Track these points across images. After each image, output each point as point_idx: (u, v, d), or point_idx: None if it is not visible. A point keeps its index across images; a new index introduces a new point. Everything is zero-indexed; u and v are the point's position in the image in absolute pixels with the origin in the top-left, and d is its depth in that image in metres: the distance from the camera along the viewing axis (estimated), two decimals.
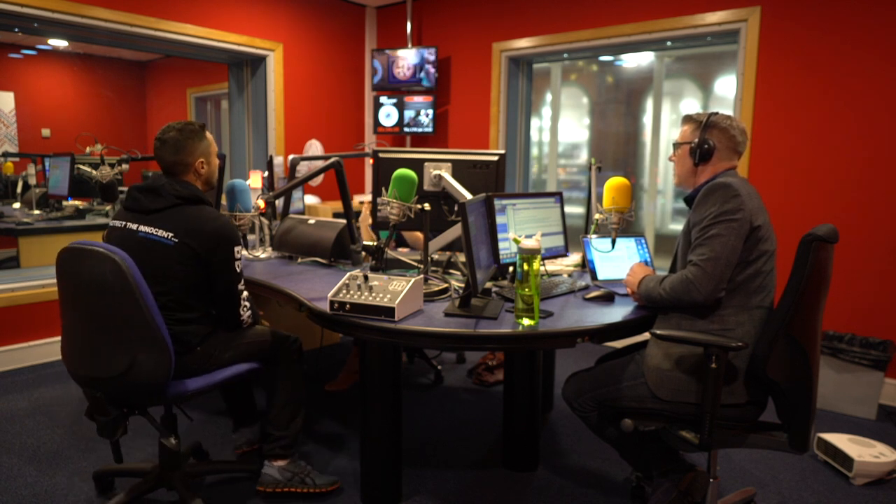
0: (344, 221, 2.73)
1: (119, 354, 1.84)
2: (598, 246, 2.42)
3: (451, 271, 2.62)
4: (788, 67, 3.54)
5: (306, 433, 2.82)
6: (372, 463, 2.23)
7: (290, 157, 3.52)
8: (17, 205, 5.01)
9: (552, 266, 2.79)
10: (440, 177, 2.47)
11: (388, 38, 5.51)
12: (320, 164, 4.04)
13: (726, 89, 4.16)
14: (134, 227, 2.02)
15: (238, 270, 2.08)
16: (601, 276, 2.41)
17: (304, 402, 2.30)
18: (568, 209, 3.15)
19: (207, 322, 2.10)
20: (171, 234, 1.98)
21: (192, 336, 2.03)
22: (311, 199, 4.91)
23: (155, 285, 1.92)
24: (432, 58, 5.00)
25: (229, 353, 2.11)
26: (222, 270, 2.05)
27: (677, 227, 4.55)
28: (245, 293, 2.14)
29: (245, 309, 2.15)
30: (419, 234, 3.14)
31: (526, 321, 1.83)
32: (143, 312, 1.81)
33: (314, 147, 4.76)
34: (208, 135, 2.18)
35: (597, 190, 2.75)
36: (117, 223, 2.08)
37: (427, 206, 2.29)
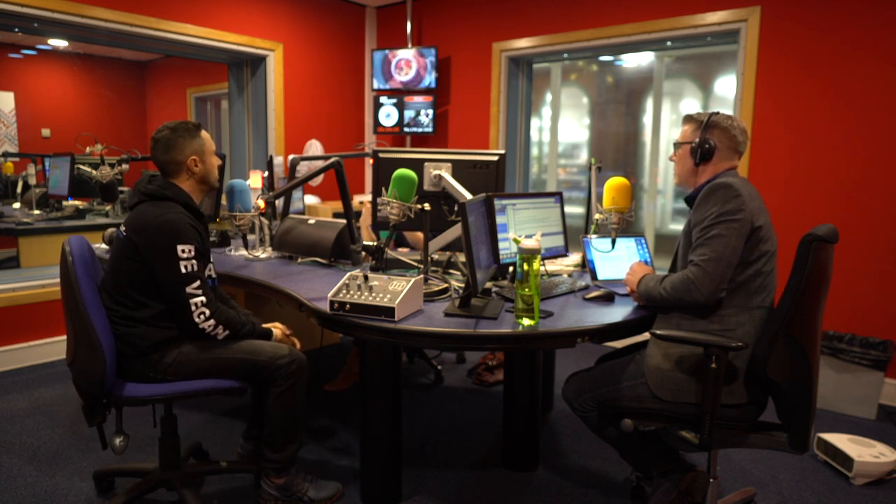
0: (344, 221, 2.73)
1: (70, 347, 1.96)
2: (598, 246, 2.42)
3: (451, 271, 2.62)
4: (788, 67, 3.54)
5: (306, 433, 2.82)
6: (372, 463, 2.23)
7: (290, 157, 3.52)
8: (17, 205, 5.01)
9: (552, 266, 2.79)
10: (440, 177, 2.47)
11: (388, 38, 5.50)
12: (320, 164, 4.04)
13: (726, 89, 4.16)
14: (122, 227, 2.07)
15: (184, 271, 1.94)
16: (601, 276, 2.41)
17: (300, 425, 2.16)
18: (568, 209, 3.15)
19: (163, 327, 2.00)
20: (123, 229, 2.02)
21: (141, 339, 1.96)
22: (311, 199, 4.91)
23: (110, 280, 2.00)
24: (432, 58, 5.00)
25: (196, 365, 2.01)
26: (162, 269, 1.95)
27: (677, 227, 4.55)
28: (200, 299, 1.97)
29: (202, 316, 1.97)
30: (419, 234, 3.14)
31: (526, 321, 1.83)
32: (80, 309, 1.87)
33: (314, 147, 4.76)
34: (203, 133, 2.15)
35: (597, 190, 2.75)
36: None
37: (427, 206, 2.29)
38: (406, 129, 5.18)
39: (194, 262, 1.97)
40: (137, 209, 2.04)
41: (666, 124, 4.43)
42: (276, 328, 2.25)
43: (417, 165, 2.49)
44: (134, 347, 1.97)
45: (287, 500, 2.19)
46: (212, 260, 2.23)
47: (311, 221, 2.91)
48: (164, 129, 2.10)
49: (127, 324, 1.97)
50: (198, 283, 1.97)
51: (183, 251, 1.95)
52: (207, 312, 1.99)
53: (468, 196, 2.31)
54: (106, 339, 1.90)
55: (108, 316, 1.96)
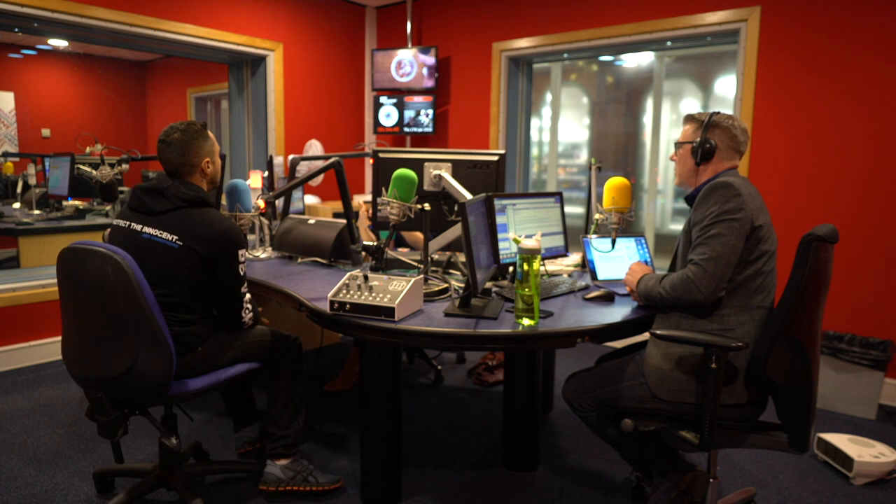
0: (344, 221, 2.73)
1: (121, 355, 1.84)
2: (598, 246, 2.42)
3: (451, 271, 2.62)
4: (788, 67, 3.54)
5: (306, 433, 2.82)
6: (372, 463, 2.23)
7: (290, 157, 3.52)
8: (17, 205, 5.01)
9: (552, 266, 2.79)
10: (440, 177, 2.47)
11: (388, 38, 5.51)
12: (320, 164, 4.04)
13: (726, 89, 4.16)
14: (138, 227, 2.02)
15: (241, 274, 2.08)
16: (601, 276, 2.41)
17: (305, 401, 2.31)
18: (568, 209, 3.16)
19: (208, 323, 2.10)
20: (175, 237, 1.97)
21: (194, 337, 2.03)
22: (311, 199, 4.91)
23: (158, 286, 1.93)
24: (432, 58, 5.00)
25: (230, 353, 2.12)
26: (226, 274, 2.04)
27: (677, 227, 4.54)
28: (248, 296, 2.15)
29: (247, 311, 2.15)
30: (419, 235, 3.14)
31: (526, 321, 1.83)
32: (146, 313, 1.81)
33: (314, 147, 4.76)
34: (210, 134, 2.18)
35: (597, 190, 2.76)
36: (121, 223, 2.07)
37: (427, 206, 2.29)
38: (406, 129, 5.18)
39: (245, 264, 2.12)
40: (181, 216, 2.01)
41: (666, 124, 4.43)
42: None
43: (417, 165, 2.49)
44: (186, 345, 2.01)
45: (291, 481, 2.25)
46: None
47: (311, 221, 2.91)
48: (174, 130, 2.09)
49: (180, 324, 2.00)
50: (246, 282, 2.13)
51: (241, 255, 2.08)
52: (250, 308, 2.17)
53: (468, 196, 2.31)
54: (170, 338, 1.89)
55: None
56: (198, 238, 1.98)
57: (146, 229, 2.00)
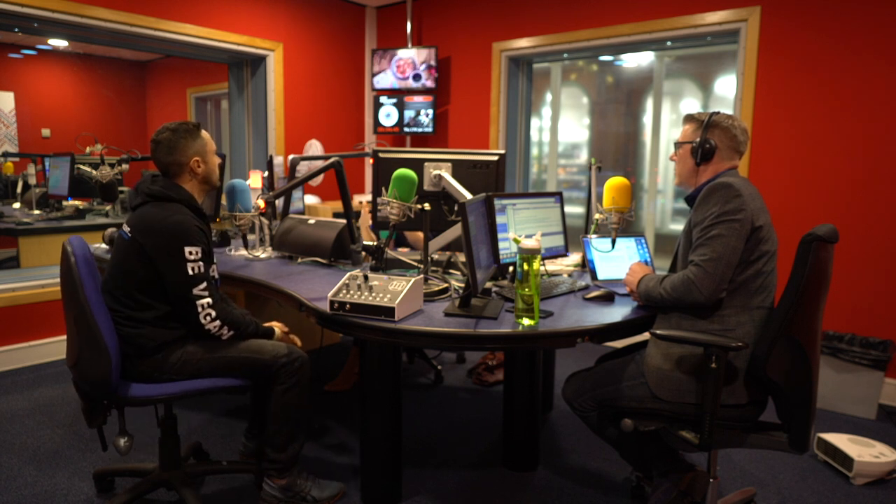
0: (344, 221, 2.73)
1: (72, 348, 1.94)
2: (598, 246, 2.42)
3: (451, 271, 2.62)
4: (788, 67, 3.54)
5: (306, 433, 2.81)
6: (372, 463, 2.23)
7: (290, 157, 3.52)
8: (17, 205, 5.01)
9: (552, 266, 2.79)
10: (440, 177, 2.47)
11: (388, 38, 5.50)
12: (320, 164, 4.04)
13: (726, 89, 4.16)
14: (123, 225, 2.07)
15: (191, 273, 1.95)
16: (601, 276, 2.41)
17: (304, 425, 2.17)
18: (568, 209, 3.15)
19: (169, 328, 2.01)
20: (129, 230, 2.01)
21: (146, 340, 1.97)
22: (311, 199, 4.91)
23: (114, 281, 2.00)
24: (432, 58, 5.00)
25: (200, 364, 2.02)
26: (169, 270, 1.96)
27: (677, 227, 4.54)
28: (206, 301, 1.98)
29: (208, 317, 1.99)
30: (420, 234, 3.14)
31: (526, 321, 1.83)
32: (84, 310, 1.86)
33: (314, 147, 4.76)
34: (204, 133, 2.16)
35: (597, 190, 2.76)
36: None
37: (427, 206, 2.29)
38: (406, 129, 5.18)
39: (201, 263, 1.99)
40: (142, 210, 2.03)
41: (666, 124, 4.43)
42: (276, 327, 2.25)
43: (417, 165, 2.49)
44: (139, 348, 1.97)
45: (289, 501, 2.19)
46: (215, 260, 2.22)
47: (311, 221, 2.91)
48: (164, 130, 2.10)
49: (132, 325, 1.97)
50: (204, 284, 1.98)
51: (190, 253, 1.96)
52: (213, 313, 2.00)
53: (468, 196, 2.31)
54: (111, 340, 1.89)
55: (112, 317, 1.97)
56: (144, 230, 1.98)
57: (124, 226, 2.06)
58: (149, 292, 1.99)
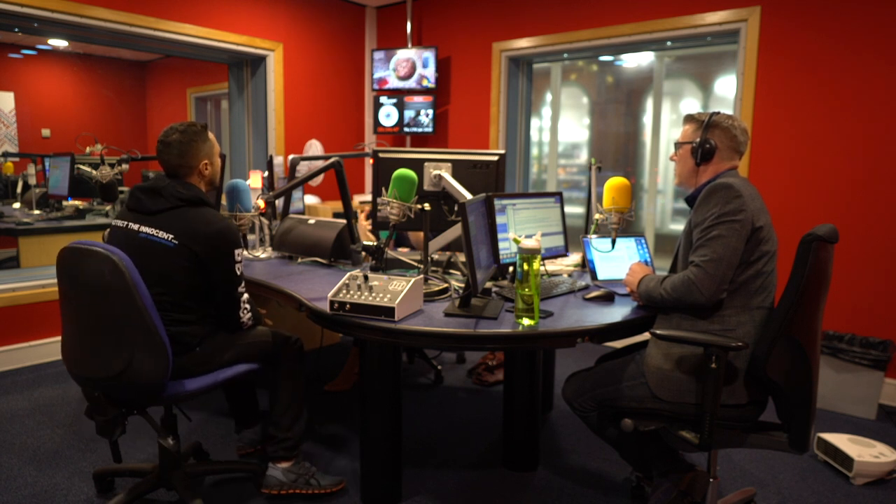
0: (344, 221, 2.73)
1: (117, 354, 1.84)
2: (598, 246, 2.42)
3: (451, 271, 2.62)
4: (788, 67, 3.54)
5: (307, 433, 2.81)
6: (372, 463, 2.23)
7: (290, 157, 3.52)
8: (17, 205, 5.01)
9: (552, 266, 2.79)
10: (440, 177, 2.47)
11: (388, 38, 5.51)
12: (320, 164, 4.04)
13: (726, 89, 4.16)
14: (136, 227, 2.02)
15: (238, 273, 2.07)
16: (601, 276, 2.41)
17: (306, 404, 2.30)
18: (568, 209, 3.15)
19: (206, 323, 2.09)
20: (171, 236, 1.98)
21: (190, 337, 2.02)
22: (311, 199, 4.91)
23: (154, 286, 1.93)
24: (432, 58, 5.00)
25: (229, 353, 2.11)
26: (222, 274, 2.04)
27: (677, 227, 4.55)
28: (245, 296, 2.13)
29: (245, 311, 2.14)
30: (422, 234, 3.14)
31: (526, 321, 1.83)
32: (141, 313, 1.81)
33: (314, 147, 4.76)
34: (210, 135, 2.18)
35: (597, 190, 2.76)
36: (119, 223, 2.08)
37: (427, 206, 2.29)
38: (406, 129, 5.18)
39: (242, 263, 2.10)
40: (177, 215, 2.01)
41: (666, 124, 4.43)
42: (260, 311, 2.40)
43: (417, 165, 2.49)
44: (183, 345, 2.00)
45: (294, 484, 2.24)
46: None
47: (311, 221, 2.91)
48: (173, 131, 2.10)
49: (176, 324, 1.99)
50: (244, 282, 2.12)
51: (238, 255, 2.07)
52: (248, 308, 2.16)
53: (468, 196, 2.31)
54: (167, 341, 1.88)
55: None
56: (194, 237, 1.98)
57: (143, 229, 2.01)
58: (193, 295, 2.03)
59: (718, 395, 1.74)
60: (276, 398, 2.23)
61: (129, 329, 1.83)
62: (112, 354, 1.85)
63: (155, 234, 1.99)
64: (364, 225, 3.11)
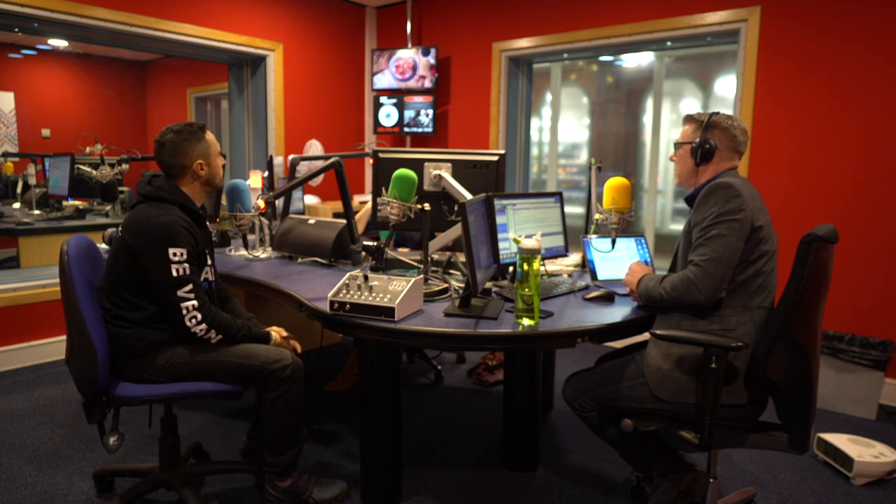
0: (344, 221, 2.73)
1: (68, 344, 1.97)
2: (598, 246, 2.42)
3: (451, 271, 2.62)
4: (788, 67, 3.54)
5: (303, 438, 2.81)
6: (372, 463, 2.23)
7: (290, 157, 3.52)
8: (17, 205, 5.01)
9: (552, 266, 2.79)
10: (440, 177, 2.47)
11: (388, 38, 5.51)
12: (320, 164, 4.04)
13: (726, 89, 4.16)
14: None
15: (175, 274, 1.93)
16: (601, 276, 2.41)
17: (300, 431, 2.15)
18: (568, 209, 3.15)
19: (156, 328, 2.00)
20: (119, 230, 2.03)
21: (134, 340, 1.97)
22: (311, 199, 4.91)
23: (107, 281, 2.02)
24: (432, 58, 5.00)
25: (187, 367, 2.00)
26: (154, 271, 1.94)
27: (677, 227, 4.54)
28: (192, 303, 1.95)
29: (194, 320, 1.96)
30: None
31: (526, 321, 1.83)
32: (75, 308, 1.89)
33: (314, 147, 4.76)
34: (208, 135, 2.14)
35: (597, 190, 2.76)
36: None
37: (427, 206, 2.29)
38: (406, 129, 5.18)
39: (186, 265, 1.96)
40: (135, 210, 2.04)
41: (666, 124, 4.43)
42: (274, 332, 2.20)
43: (417, 165, 2.49)
44: (126, 348, 1.98)
45: (292, 503, 2.18)
46: (211, 263, 2.20)
47: (311, 221, 2.91)
48: (168, 132, 2.09)
49: (120, 324, 1.98)
50: (190, 286, 1.96)
51: (175, 254, 1.94)
52: (199, 316, 1.97)
53: (468, 196, 2.31)
54: (99, 339, 1.90)
55: (103, 316, 1.98)
56: (131, 229, 1.98)
57: (119, 227, 2.08)
58: (137, 292, 1.99)
59: (718, 395, 1.74)
60: (266, 424, 2.09)
61: (71, 323, 1.92)
62: (67, 343, 1.98)
63: (119, 230, 2.06)
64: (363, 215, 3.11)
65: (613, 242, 2.23)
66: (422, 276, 2.12)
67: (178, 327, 1.98)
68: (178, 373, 2.00)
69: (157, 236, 1.93)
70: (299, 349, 2.25)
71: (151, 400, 1.99)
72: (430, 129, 5.13)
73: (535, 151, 5.15)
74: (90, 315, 1.90)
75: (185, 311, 1.95)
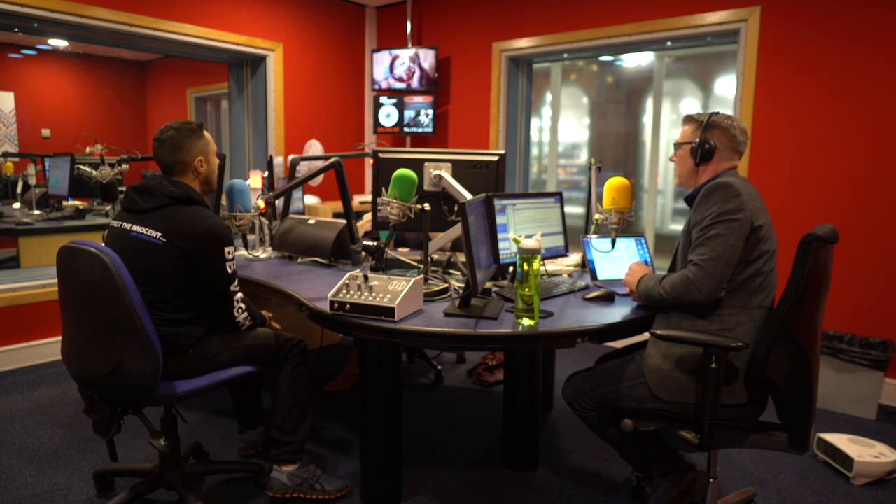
0: (344, 221, 2.73)
1: (107, 354, 1.85)
2: (598, 246, 2.42)
3: (451, 271, 2.62)
4: (788, 67, 3.54)
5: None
6: (372, 463, 2.23)
7: (290, 157, 3.52)
8: (17, 205, 5.01)
9: (552, 266, 2.79)
10: (440, 177, 2.47)
11: (388, 38, 5.51)
12: (320, 164, 4.04)
13: (726, 89, 4.16)
14: (128, 226, 2.03)
15: (229, 272, 2.05)
16: (601, 276, 2.41)
17: (310, 405, 2.27)
18: (568, 209, 3.16)
19: (201, 324, 2.07)
20: (159, 234, 1.98)
21: (183, 338, 2.00)
22: (311, 199, 4.91)
23: (144, 285, 1.93)
24: (432, 58, 5.00)
25: (225, 355, 2.09)
26: (212, 271, 2.02)
27: (677, 227, 4.54)
28: (239, 295, 2.11)
29: (240, 311, 2.12)
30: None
31: (526, 321, 1.83)
32: (130, 313, 1.82)
33: (314, 147, 4.76)
34: (206, 134, 2.18)
35: (597, 190, 2.76)
36: (115, 223, 2.09)
37: (427, 206, 2.29)
38: (406, 129, 5.18)
39: (234, 262, 2.08)
40: (167, 213, 2.01)
41: (666, 124, 4.43)
42: (265, 313, 2.38)
43: (417, 165, 2.49)
44: (176, 346, 1.99)
45: (298, 489, 2.22)
46: None
47: (311, 221, 2.91)
48: (168, 129, 2.10)
49: (168, 325, 1.98)
50: (237, 281, 2.10)
51: (229, 252, 2.05)
52: (244, 307, 2.14)
53: (468, 196, 2.31)
54: (157, 340, 1.88)
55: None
56: (181, 234, 1.98)
57: (135, 228, 2.01)
58: (186, 293, 2.02)
59: (718, 395, 1.74)
60: (279, 401, 2.21)
61: (119, 328, 1.83)
62: (103, 353, 1.85)
63: (145, 232, 1.99)
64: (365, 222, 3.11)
65: (613, 242, 2.23)
66: (422, 276, 2.12)
67: (228, 320, 2.11)
68: (216, 362, 2.08)
69: (214, 237, 2.01)
70: (279, 328, 2.42)
71: (200, 392, 2.04)
72: (430, 129, 5.13)
73: (535, 151, 5.15)
74: (146, 318, 1.87)
75: (235, 304, 2.10)
